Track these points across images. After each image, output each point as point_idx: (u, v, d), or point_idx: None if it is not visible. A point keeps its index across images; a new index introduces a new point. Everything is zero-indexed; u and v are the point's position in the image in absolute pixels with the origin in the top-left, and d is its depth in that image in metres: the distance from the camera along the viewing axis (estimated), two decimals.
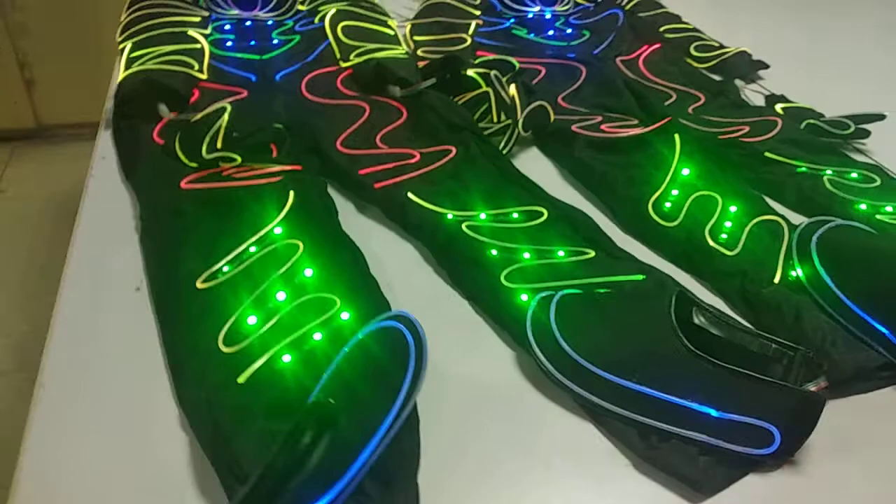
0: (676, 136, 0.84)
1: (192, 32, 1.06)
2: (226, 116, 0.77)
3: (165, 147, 0.80)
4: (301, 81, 0.99)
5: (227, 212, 0.71)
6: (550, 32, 1.24)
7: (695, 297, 0.60)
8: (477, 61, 1.00)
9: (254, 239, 0.67)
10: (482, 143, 0.85)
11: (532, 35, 1.23)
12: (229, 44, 1.11)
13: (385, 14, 1.20)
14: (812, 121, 0.95)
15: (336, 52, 1.07)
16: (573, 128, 0.88)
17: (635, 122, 0.93)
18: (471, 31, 1.20)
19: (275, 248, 0.66)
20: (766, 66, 1.14)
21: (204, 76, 0.95)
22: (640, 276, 0.65)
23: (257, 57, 1.07)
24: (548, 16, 1.32)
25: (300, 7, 1.22)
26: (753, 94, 1.09)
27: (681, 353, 0.52)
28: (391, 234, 0.74)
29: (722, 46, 1.20)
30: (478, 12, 1.25)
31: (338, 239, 0.69)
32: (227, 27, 1.17)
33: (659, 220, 0.76)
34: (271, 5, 1.20)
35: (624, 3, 1.34)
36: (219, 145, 0.78)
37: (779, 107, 1.00)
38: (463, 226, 0.72)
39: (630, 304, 0.61)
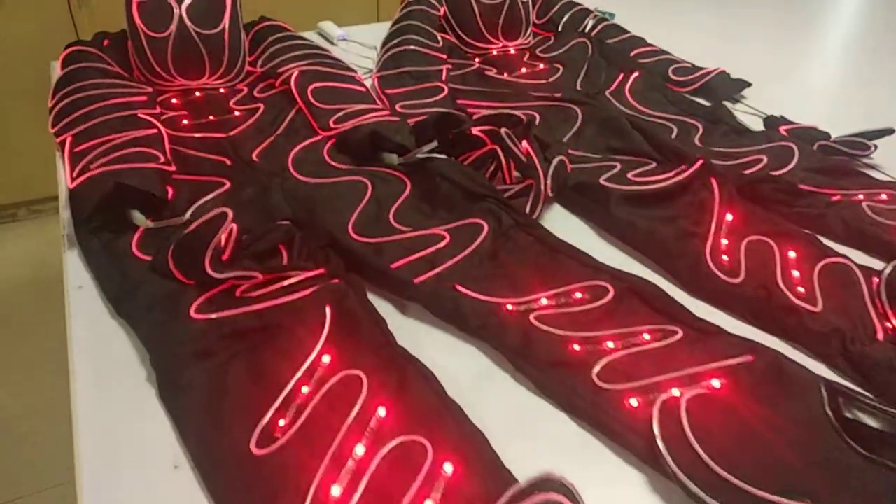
0: (713, 180, 0.79)
1: (142, 114, 0.92)
2: (232, 227, 0.65)
3: (156, 265, 0.68)
4: (286, 160, 0.88)
5: (260, 344, 0.59)
6: (523, 70, 1.18)
7: (839, 386, 0.54)
8: (476, 117, 0.92)
9: (300, 374, 0.56)
10: (512, 211, 0.77)
11: (505, 74, 1.17)
12: (185, 122, 0.98)
13: (350, 69, 1.10)
14: (824, 142, 0.93)
15: (312, 120, 0.96)
16: (601, 182, 0.81)
17: (652, 164, 0.88)
18: (444, 78, 1.12)
19: (331, 386, 0.55)
20: (749, 85, 1.13)
21: (172, 168, 0.82)
22: (748, 357, 0.58)
23: (222, 135, 0.95)
24: (512, 51, 1.26)
25: (249, 68, 1.11)
26: (744, 115, 1.07)
27: (853, 461, 0.46)
28: (448, 338, 0.64)
29: (695, 67, 1.18)
30: (444, 55, 1.17)
31: (399, 358, 0.58)
32: (175, 101, 1.04)
33: (723, 277, 0.70)
34: (220, 71, 1.07)
35: (587, 30, 1.30)
36: (224, 257, 0.66)
37: (783, 129, 0.98)
38: (531, 318, 0.63)
39: (764, 398, 0.54)
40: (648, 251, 0.75)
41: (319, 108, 0.97)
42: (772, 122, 1.01)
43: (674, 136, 0.97)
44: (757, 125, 1.03)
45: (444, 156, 0.88)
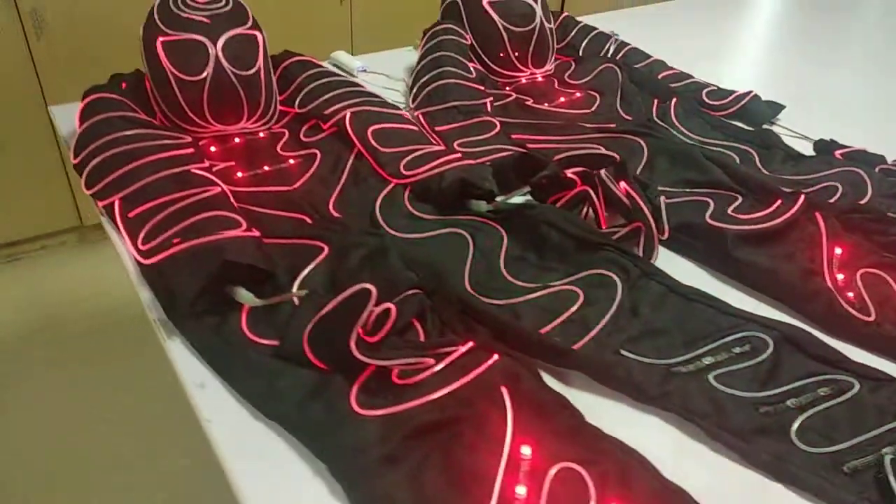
0: (818, 214, 0.80)
1: (196, 170, 0.83)
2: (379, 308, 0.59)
3: (287, 351, 0.60)
4: (372, 213, 0.82)
5: (446, 441, 0.53)
6: (562, 99, 1.16)
7: None
8: (559, 157, 0.89)
9: (502, 471, 0.51)
10: (636, 259, 0.74)
11: (545, 105, 1.14)
12: (239, 174, 0.89)
13: (395, 106, 1.04)
14: (884, 165, 0.95)
15: (377, 166, 0.90)
16: (709, 221, 0.80)
17: (738, 198, 0.87)
18: (489, 110, 1.08)
19: (551, 486, 0.50)
20: (783, 107, 1.15)
21: (257, 233, 0.74)
22: None
23: (287, 187, 0.87)
24: (540, 78, 1.23)
25: (281, 108, 1.03)
26: (787, 139, 1.09)
27: None
28: (624, 409, 0.60)
29: (724, 90, 1.19)
30: (481, 87, 1.13)
31: (602, 442, 0.54)
32: (213, 149, 0.95)
33: (858, 315, 0.70)
34: (258, 114, 0.99)
35: (610, 54, 1.29)
36: (365, 336, 0.60)
37: (838, 154, 1.00)
38: (710, 378, 0.61)
39: None
40: (774, 292, 0.74)
41: (385, 153, 0.91)
42: (823, 146, 1.03)
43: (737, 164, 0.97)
44: (798, 147, 1.05)
45: (531, 200, 0.84)
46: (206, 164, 0.86)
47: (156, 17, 0.94)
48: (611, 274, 0.72)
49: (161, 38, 0.93)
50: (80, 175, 0.84)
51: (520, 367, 0.60)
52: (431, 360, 0.58)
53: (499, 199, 0.84)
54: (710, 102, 1.16)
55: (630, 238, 0.79)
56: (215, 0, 0.96)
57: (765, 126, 1.12)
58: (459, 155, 0.90)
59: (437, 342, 0.61)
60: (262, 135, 0.99)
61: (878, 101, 1.29)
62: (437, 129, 1.02)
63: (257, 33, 0.98)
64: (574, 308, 0.68)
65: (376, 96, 1.04)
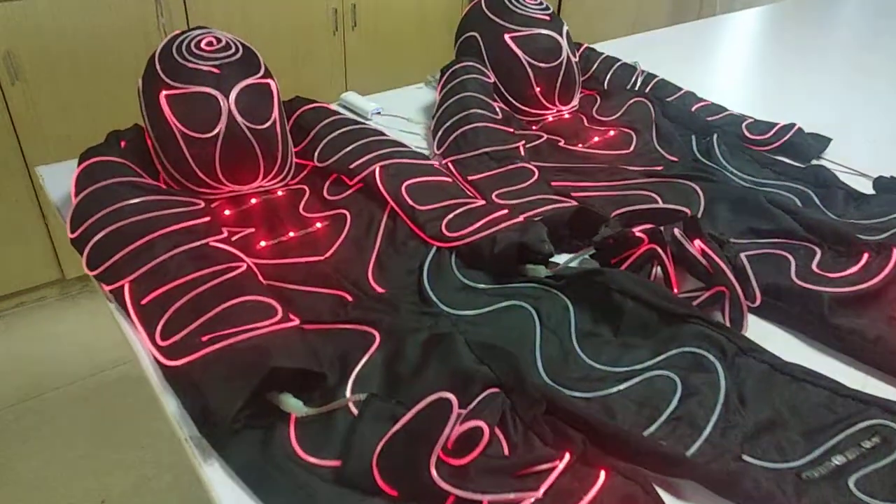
0: None
1: (215, 244, 0.73)
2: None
3: (352, 475, 0.51)
4: (421, 284, 0.72)
5: None
6: (595, 139, 1.08)
7: None
8: (618, 213, 0.80)
9: None
10: (728, 333, 0.66)
11: (579, 146, 1.06)
12: (263, 244, 0.79)
13: (425, 156, 0.95)
14: None
15: (414, 226, 0.81)
16: (797, 282, 0.72)
17: (816, 250, 0.80)
18: (523, 154, 1.00)
19: None
20: (830, 140, 1.08)
21: (296, 321, 0.64)
22: None
23: (318, 257, 0.77)
24: (566, 115, 1.15)
25: (297, 160, 0.93)
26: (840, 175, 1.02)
27: None
28: None
29: (763, 122, 1.13)
30: (510, 129, 1.05)
31: None
32: (227, 213, 0.85)
33: None
34: (274, 170, 0.89)
35: (637, 87, 1.22)
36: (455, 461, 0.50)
37: None
38: (850, 484, 0.52)
39: None
40: (882, 363, 0.66)
41: (423, 212, 0.81)
42: (884, 184, 0.96)
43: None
44: (852, 184, 0.98)
45: (591, 261, 0.76)
46: (224, 233, 0.76)
47: (157, 67, 0.84)
48: (705, 353, 0.63)
49: (165, 92, 0.83)
50: (80, 253, 0.74)
51: (633, 485, 0.51)
52: (534, 494, 0.48)
53: (557, 259, 0.75)
54: (752, 137, 1.09)
55: (709, 304, 0.71)
56: (224, 47, 0.86)
57: (814, 161, 1.05)
58: (506, 211, 0.81)
59: (531, 459, 0.52)
60: (280, 193, 0.89)
61: None
62: (469, 178, 0.93)
63: (270, 82, 0.89)
64: (675, 401, 0.59)
65: (402, 145, 0.95)
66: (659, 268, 0.75)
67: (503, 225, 0.77)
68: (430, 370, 0.59)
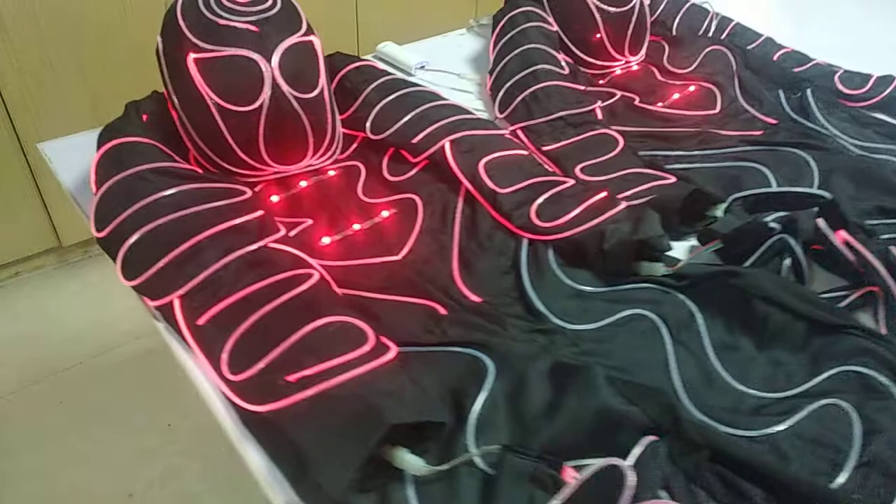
0: None
1: (274, 245, 0.61)
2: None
3: None
4: (523, 291, 0.61)
5: None
6: (675, 96, 0.95)
7: None
8: (738, 195, 0.69)
9: None
10: (891, 345, 0.56)
11: (658, 104, 0.93)
12: (325, 241, 0.67)
13: (493, 124, 0.82)
14: None
15: (499, 214, 0.69)
16: None
17: None
18: (601, 118, 0.87)
19: None
20: None
21: (393, 349, 0.53)
22: None
23: (393, 256, 0.66)
24: (634, 67, 1.02)
25: (344, 131, 0.80)
26: None
27: None
28: None
29: (853, 73, 1.00)
30: (581, 87, 0.92)
31: None
32: (275, 199, 0.73)
33: None
34: (324, 145, 0.76)
35: (712, 33, 1.09)
36: None
37: None
38: None
39: None
40: None
41: (506, 197, 0.70)
42: None
43: None
44: None
45: (710, 255, 0.65)
46: (282, 231, 0.64)
47: (181, 24, 0.70)
48: (872, 372, 0.54)
49: (194, 55, 0.69)
50: (113, 257, 0.62)
51: None
52: None
53: (673, 254, 0.64)
54: (847, 91, 0.97)
55: (855, 308, 0.61)
56: None
57: None
58: (605, 194, 0.69)
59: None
60: (332, 173, 0.76)
61: None
62: (544, 148, 0.81)
63: (314, 39, 0.75)
64: (857, 441, 0.49)
65: (467, 111, 0.82)
66: (788, 263, 0.65)
67: (609, 214, 0.66)
68: (566, 411, 0.49)
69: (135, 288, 0.60)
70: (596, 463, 0.46)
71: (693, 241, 0.69)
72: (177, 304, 0.57)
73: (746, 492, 0.46)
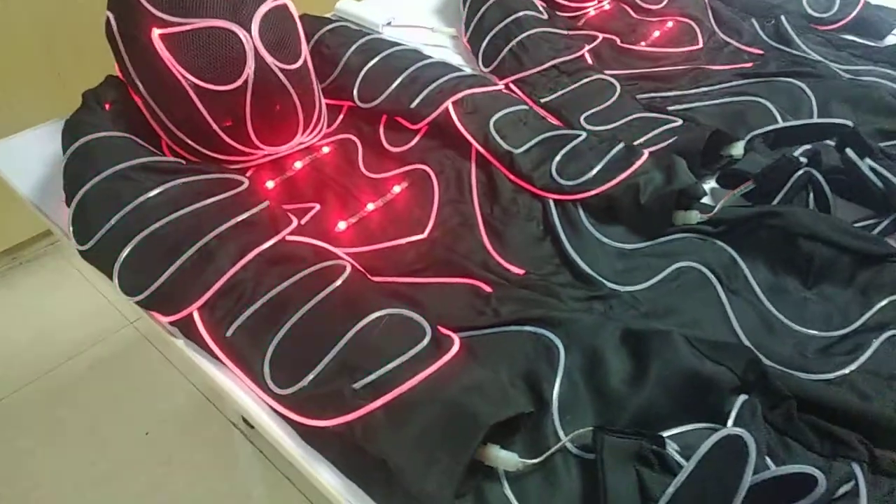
0: None
1: (292, 237, 0.55)
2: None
3: None
4: (564, 254, 0.58)
5: None
6: (656, 34, 0.92)
7: None
8: (757, 133, 0.67)
9: None
10: None
11: (641, 44, 0.90)
12: (341, 226, 0.62)
13: (488, 79, 0.77)
14: None
15: (519, 177, 0.65)
16: None
17: None
18: (592, 64, 0.84)
19: None
20: None
21: (455, 339, 0.49)
22: None
23: (417, 235, 0.61)
24: (606, 6, 0.98)
25: (327, 101, 0.73)
26: None
27: None
28: None
29: None
30: (563, 30, 0.87)
31: None
32: (271, 185, 0.66)
33: None
34: (314, 120, 0.69)
35: None
36: None
37: None
38: None
39: None
40: None
41: (523, 156, 0.66)
42: None
43: None
44: None
45: (744, 202, 0.64)
46: (294, 221, 0.58)
47: None
48: None
49: (159, 30, 0.60)
50: (108, 274, 0.54)
51: None
52: None
53: (707, 200, 0.62)
54: (816, 14, 0.97)
55: (887, 233, 0.61)
56: None
57: (891, 39, 0.94)
58: (622, 145, 0.66)
59: (833, 485, 0.42)
60: (326, 150, 0.70)
61: None
62: (543, 101, 0.77)
63: (287, 2, 0.67)
64: None
65: (457, 68, 0.76)
66: (812, 196, 0.64)
67: (636, 166, 0.63)
68: (652, 379, 0.46)
69: (141, 304, 0.53)
70: (691, 428, 0.45)
71: (712, 183, 0.68)
72: (197, 316, 0.51)
73: (843, 437, 0.45)
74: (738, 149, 0.68)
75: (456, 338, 0.48)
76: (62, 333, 1.36)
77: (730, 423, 0.44)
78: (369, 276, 0.54)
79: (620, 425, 0.45)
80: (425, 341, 0.47)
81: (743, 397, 0.45)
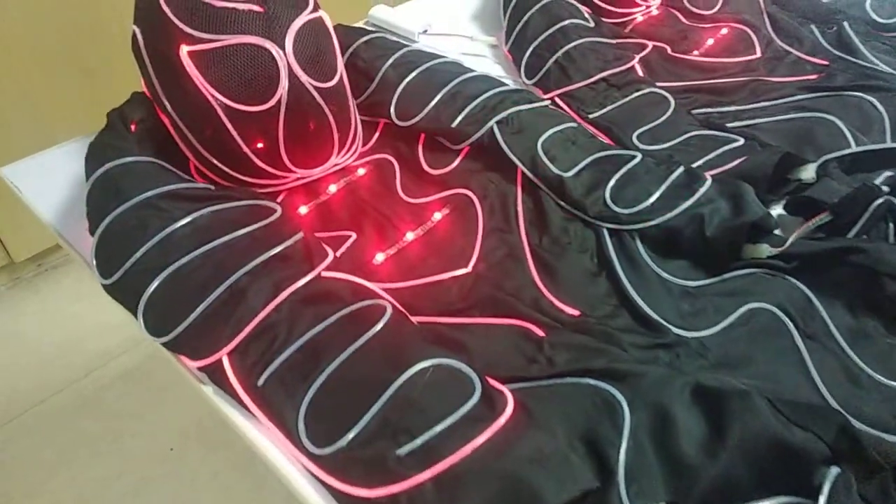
0: None
1: (328, 274, 0.51)
2: None
3: None
4: (624, 294, 0.53)
5: None
6: (710, 42, 0.87)
7: None
8: (829, 156, 0.62)
9: None
10: None
11: (694, 53, 0.85)
12: (379, 258, 0.57)
13: (533, 95, 0.72)
14: None
15: (570, 204, 0.60)
16: None
17: None
18: (643, 76, 0.79)
19: None
20: None
21: (508, 397, 0.44)
22: None
23: (461, 269, 0.56)
24: (655, 11, 0.93)
25: (362, 117, 0.69)
26: None
27: None
28: None
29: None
30: (611, 40, 0.82)
31: None
32: (304, 212, 0.62)
33: None
34: (349, 140, 0.65)
35: None
36: None
37: None
38: None
39: None
40: None
41: (573, 181, 0.61)
42: None
43: None
44: None
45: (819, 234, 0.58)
46: (330, 254, 0.54)
47: (165, 8, 0.57)
48: None
49: (188, 48, 0.56)
50: (131, 310, 0.51)
51: None
52: None
53: (777, 233, 0.57)
54: (881, 21, 0.90)
55: None
56: None
57: None
58: (682, 168, 0.61)
59: None
60: (361, 171, 0.66)
61: None
62: (592, 116, 0.72)
63: (322, 14, 0.63)
64: None
65: (501, 83, 0.71)
66: (893, 228, 0.58)
67: (699, 193, 0.58)
68: (730, 446, 0.41)
69: (167, 346, 0.49)
70: None
71: (779, 209, 0.63)
72: (226, 362, 0.47)
73: None
74: (808, 172, 0.62)
75: (508, 394, 0.44)
76: (89, 342, 1.34)
77: (822, 500, 0.39)
78: (409, 318, 0.50)
79: (695, 499, 0.40)
80: (475, 398, 0.43)
81: (836, 470, 0.40)
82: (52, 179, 0.65)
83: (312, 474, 0.43)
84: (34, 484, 1.14)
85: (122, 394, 1.27)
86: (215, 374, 0.48)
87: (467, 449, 0.39)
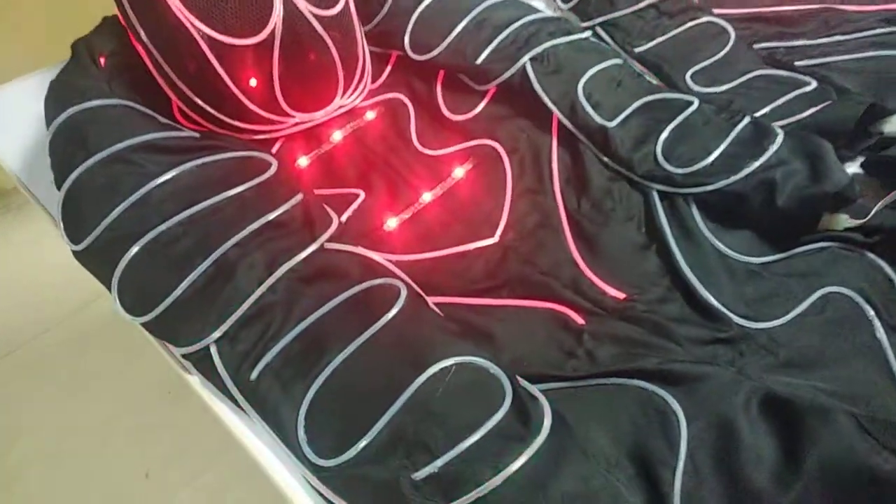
0: None
1: (332, 247, 0.44)
2: None
3: None
4: (677, 275, 0.45)
5: None
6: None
7: None
8: None
9: None
10: None
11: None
12: (390, 224, 0.50)
13: (571, 24, 0.62)
14: None
15: (617, 159, 0.51)
16: None
17: None
18: (696, 2, 0.68)
19: None
20: None
21: (546, 408, 0.37)
22: None
23: (488, 239, 0.48)
24: None
25: (371, 47, 0.59)
26: None
27: None
28: None
29: None
30: None
31: None
32: (304, 164, 0.54)
33: None
34: (355, 78, 0.56)
35: None
36: None
37: None
38: None
39: None
40: None
41: (619, 133, 0.52)
42: None
43: None
44: None
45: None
46: (335, 221, 0.46)
47: None
48: None
49: None
50: (105, 283, 0.44)
51: None
52: None
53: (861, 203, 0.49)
54: None
55: None
56: None
57: None
58: (748, 119, 0.52)
59: None
60: (370, 115, 0.57)
61: None
62: (638, 50, 0.62)
63: None
64: None
65: (533, 9, 0.61)
66: None
67: (769, 153, 0.49)
68: (805, 473, 0.35)
69: (147, 328, 0.42)
70: None
71: (854, 167, 0.54)
72: (214, 351, 0.40)
73: None
74: (893, 125, 0.53)
75: (544, 403, 0.37)
76: (64, 288, 1.28)
77: None
78: (427, 301, 0.43)
79: None
80: (505, 407, 0.36)
81: None
82: (14, 119, 0.56)
83: (316, 490, 0.37)
84: (32, 420, 1.11)
85: (109, 335, 1.22)
86: (202, 364, 0.41)
87: (497, 480, 0.33)
